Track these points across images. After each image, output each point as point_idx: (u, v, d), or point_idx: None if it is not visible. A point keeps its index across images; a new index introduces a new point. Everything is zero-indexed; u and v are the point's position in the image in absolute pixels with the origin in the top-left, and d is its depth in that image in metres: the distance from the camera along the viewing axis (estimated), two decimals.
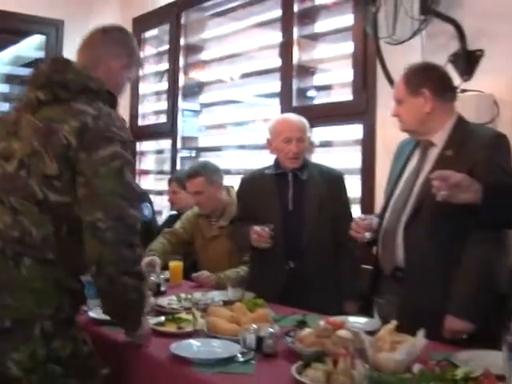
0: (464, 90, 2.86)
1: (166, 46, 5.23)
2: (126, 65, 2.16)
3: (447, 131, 2.43)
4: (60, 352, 1.89)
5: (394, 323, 1.99)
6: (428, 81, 2.43)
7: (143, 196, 4.43)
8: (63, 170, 1.86)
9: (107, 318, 2.10)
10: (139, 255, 1.96)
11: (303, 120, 3.12)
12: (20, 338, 1.84)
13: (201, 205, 3.56)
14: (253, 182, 3.20)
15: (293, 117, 3.15)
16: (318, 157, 3.93)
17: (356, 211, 3.29)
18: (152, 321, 2.35)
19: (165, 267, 3.25)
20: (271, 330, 2.04)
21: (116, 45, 2.15)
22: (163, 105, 5.26)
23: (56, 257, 1.88)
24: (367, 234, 2.50)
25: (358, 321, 2.36)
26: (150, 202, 4.57)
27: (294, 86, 4.03)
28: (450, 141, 2.40)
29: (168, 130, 5.11)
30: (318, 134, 3.95)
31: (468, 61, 2.89)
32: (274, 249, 2.94)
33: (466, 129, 2.42)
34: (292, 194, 3.05)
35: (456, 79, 2.85)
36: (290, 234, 2.99)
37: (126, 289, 1.90)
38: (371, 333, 2.00)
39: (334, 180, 3.12)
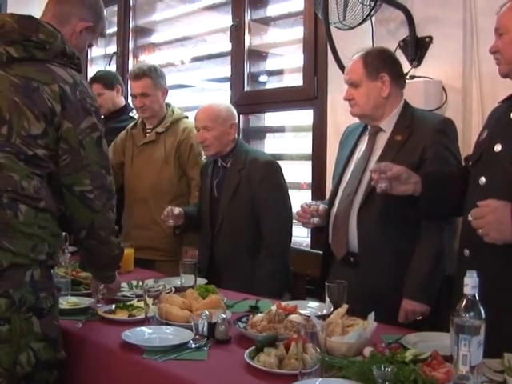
0: (413, 77, 2.90)
1: (115, 28, 5.12)
2: (92, 30, 2.19)
3: (395, 117, 2.46)
4: (43, 304, 1.93)
5: (345, 307, 2.02)
6: (387, 65, 2.45)
7: None
8: (48, 130, 1.96)
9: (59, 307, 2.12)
10: (115, 215, 2.19)
11: (215, 108, 3.10)
12: (12, 283, 1.86)
13: (144, 108, 3.47)
14: (204, 168, 3.27)
15: (206, 105, 3.15)
16: (270, 142, 3.94)
17: (307, 197, 3.31)
18: (103, 308, 2.33)
19: None
20: (223, 315, 2.04)
21: (87, 7, 2.17)
22: None
23: (46, 205, 1.95)
24: (314, 220, 2.52)
25: (309, 305, 2.38)
26: None
27: (246, 71, 4.02)
28: (398, 126, 2.44)
29: None
30: (270, 119, 3.95)
31: (417, 47, 2.93)
32: (202, 234, 3.14)
33: (414, 114, 2.46)
34: (216, 182, 3.13)
35: (405, 65, 2.88)
36: (213, 220, 3.09)
37: (112, 247, 2.18)
38: (323, 317, 2.03)
39: (258, 166, 3.03)
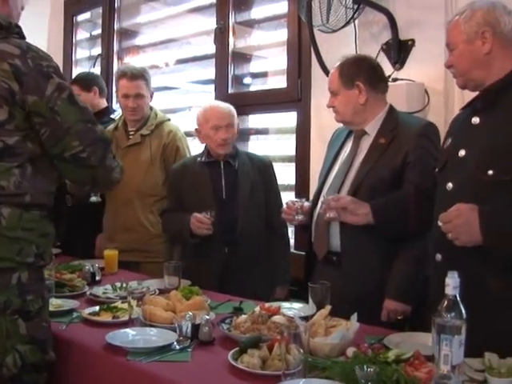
0: (395, 79, 2.92)
1: (99, 30, 5.12)
2: None
3: (380, 120, 2.50)
4: (30, 306, 1.90)
5: (328, 308, 2.03)
6: (361, 73, 2.48)
7: None
8: (14, 112, 1.86)
9: None
10: (112, 151, 2.08)
11: (231, 107, 3.10)
12: None
13: (137, 109, 3.45)
14: (184, 171, 3.14)
15: (220, 104, 3.14)
16: (254, 144, 3.94)
17: (291, 198, 3.31)
18: (87, 310, 2.33)
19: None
20: (207, 317, 2.04)
21: None
22: None
23: (32, 199, 1.90)
24: (299, 217, 2.56)
25: (292, 306, 2.39)
26: None
27: (230, 73, 4.02)
28: (382, 129, 2.47)
29: None
30: (254, 121, 3.95)
31: (400, 50, 2.96)
32: (210, 237, 2.92)
33: (398, 118, 2.50)
34: (225, 183, 3.05)
35: (388, 68, 2.91)
36: (225, 223, 2.98)
37: (114, 179, 2.09)
38: (306, 318, 2.04)
39: (264, 167, 3.15)
